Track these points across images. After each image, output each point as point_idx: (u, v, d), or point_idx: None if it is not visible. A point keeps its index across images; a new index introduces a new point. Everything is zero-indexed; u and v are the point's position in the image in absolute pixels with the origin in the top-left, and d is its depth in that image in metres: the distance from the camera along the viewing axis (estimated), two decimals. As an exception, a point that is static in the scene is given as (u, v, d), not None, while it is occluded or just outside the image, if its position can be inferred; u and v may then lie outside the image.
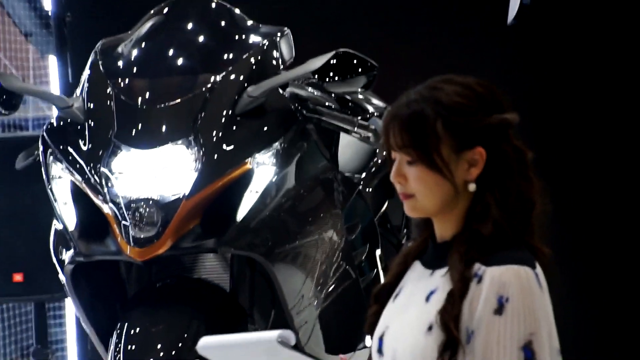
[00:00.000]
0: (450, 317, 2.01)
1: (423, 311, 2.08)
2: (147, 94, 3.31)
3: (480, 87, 2.11)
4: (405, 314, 2.12)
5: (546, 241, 2.12)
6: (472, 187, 2.09)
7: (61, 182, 3.31)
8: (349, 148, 3.89)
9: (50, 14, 5.67)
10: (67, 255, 3.29)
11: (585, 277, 5.03)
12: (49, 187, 3.34)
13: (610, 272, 5.09)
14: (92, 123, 3.29)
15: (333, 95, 3.70)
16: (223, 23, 3.51)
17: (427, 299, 2.09)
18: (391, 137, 2.12)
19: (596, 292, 5.09)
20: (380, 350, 2.15)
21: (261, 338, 2.06)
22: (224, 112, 3.26)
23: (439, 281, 2.09)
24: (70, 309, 5.23)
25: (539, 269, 2.06)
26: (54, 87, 5.60)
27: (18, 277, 4.47)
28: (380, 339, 2.15)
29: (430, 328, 2.05)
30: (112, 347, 3.14)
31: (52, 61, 5.74)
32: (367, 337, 3.63)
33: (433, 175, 2.10)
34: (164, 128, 3.23)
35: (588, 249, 5.07)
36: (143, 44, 3.45)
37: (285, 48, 3.50)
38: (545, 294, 2.04)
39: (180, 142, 3.21)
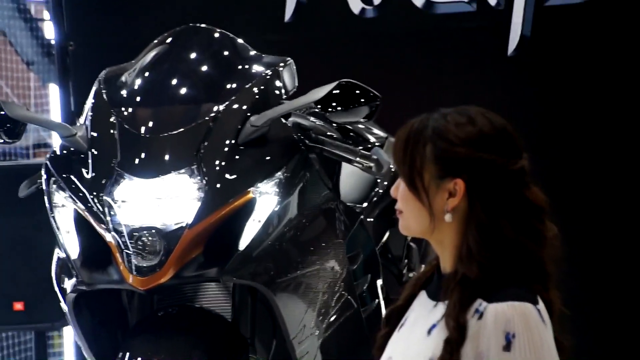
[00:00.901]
0: None
1: (424, 345, 2.09)
2: (151, 123, 3.32)
3: (487, 122, 2.12)
4: (408, 345, 2.13)
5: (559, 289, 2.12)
6: (447, 217, 2.11)
7: (64, 210, 3.32)
8: (351, 178, 3.90)
9: (52, 42, 5.69)
10: (69, 284, 3.29)
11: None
12: (52, 215, 3.35)
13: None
14: (96, 151, 3.31)
15: (335, 125, 3.72)
16: (226, 53, 3.53)
17: (429, 332, 2.10)
18: (395, 149, 2.16)
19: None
20: None
21: None
22: (227, 142, 3.27)
23: (440, 315, 2.10)
24: (69, 337, 5.23)
25: (541, 305, 2.07)
26: (55, 115, 5.62)
27: (19, 306, 4.47)
28: None
29: None
30: (113, 377, 3.14)
31: (54, 90, 5.77)
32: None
33: (412, 196, 2.12)
34: (167, 157, 3.25)
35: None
36: (147, 73, 3.47)
37: (288, 78, 3.53)
38: (549, 329, 2.06)
39: (183, 171, 3.22)
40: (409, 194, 2.13)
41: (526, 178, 2.13)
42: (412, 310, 2.20)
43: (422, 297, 2.20)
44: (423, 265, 4.17)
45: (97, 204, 3.22)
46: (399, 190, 2.16)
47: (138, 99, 3.41)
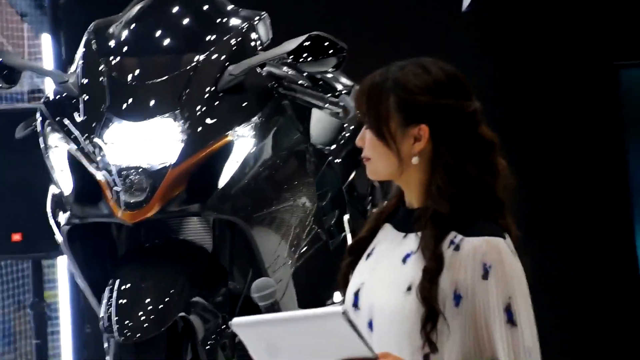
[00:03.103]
0: (429, 294, 2.06)
1: (401, 272, 2.11)
2: (137, 71, 3.31)
3: (441, 71, 2.14)
4: (381, 273, 2.15)
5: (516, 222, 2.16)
6: (414, 160, 2.13)
7: (58, 150, 3.31)
8: (320, 122, 3.91)
9: (44, -5, 5.62)
10: (63, 218, 3.29)
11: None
12: (47, 155, 3.34)
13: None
14: (86, 97, 3.30)
15: (306, 74, 3.72)
16: (206, 7, 3.51)
17: (404, 260, 2.12)
18: (358, 102, 2.17)
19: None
20: (356, 305, 2.18)
21: (325, 313, 1.88)
22: (207, 89, 3.27)
23: (414, 245, 2.12)
24: (62, 268, 5.22)
25: (508, 239, 2.11)
26: (48, 64, 5.56)
27: (17, 237, 4.45)
28: (356, 295, 2.18)
29: (409, 288, 2.09)
30: (104, 302, 3.15)
31: (46, 40, 5.70)
32: (336, 294, 3.67)
33: (381, 143, 2.14)
34: (152, 102, 3.24)
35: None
36: (133, 26, 3.45)
37: (263, 31, 3.51)
38: (518, 260, 2.10)
39: (167, 115, 3.22)
40: (377, 142, 2.14)
41: (478, 118, 2.16)
42: (379, 241, 2.22)
43: (388, 229, 2.22)
44: (386, 202, 4.21)
45: (88, 145, 3.21)
46: (366, 139, 2.17)
47: (125, 49, 3.39)
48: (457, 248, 2.07)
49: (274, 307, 2.32)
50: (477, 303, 2.05)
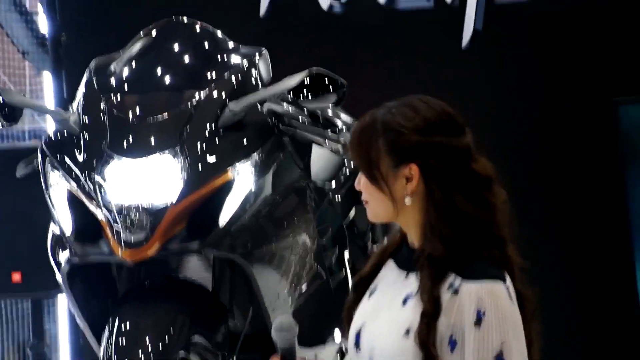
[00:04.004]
0: (427, 338, 2.03)
1: (400, 314, 2.08)
2: (137, 109, 3.29)
3: (429, 110, 2.12)
4: (382, 314, 2.12)
5: (520, 250, 2.12)
6: (407, 200, 2.11)
7: (58, 188, 3.29)
8: (321, 159, 3.88)
9: (46, 34, 5.63)
10: (63, 257, 3.26)
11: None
12: (47, 193, 3.31)
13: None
14: (87, 135, 3.27)
15: (306, 110, 3.70)
16: (206, 44, 3.50)
17: (404, 302, 2.09)
18: (350, 147, 2.15)
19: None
20: (357, 345, 2.15)
21: None
22: (208, 126, 3.25)
23: (414, 287, 2.09)
24: (63, 306, 5.18)
25: (508, 281, 2.08)
26: (49, 101, 5.55)
27: (17, 276, 4.43)
28: (358, 335, 2.15)
29: (407, 332, 2.05)
30: (104, 341, 3.12)
31: (47, 77, 5.70)
32: (336, 331, 3.62)
33: (374, 187, 2.12)
34: (152, 140, 3.22)
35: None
36: (133, 63, 3.43)
37: (263, 67, 3.50)
38: (515, 305, 2.07)
39: (167, 152, 3.20)
40: (371, 185, 2.13)
41: (471, 152, 2.13)
42: (382, 278, 2.19)
43: (391, 266, 2.19)
44: (386, 238, 4.18)
45: (89, 183, 3.19)
46: (361, 183, 2.16)
47: (125, 86, 3.38)
48: (455, 292, 2.04)
49: (291, 349, 2.27)
50: (468, 350, 2.01)
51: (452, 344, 2.03)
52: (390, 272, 2.18)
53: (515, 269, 2.11)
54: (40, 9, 6.05)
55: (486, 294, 2.02)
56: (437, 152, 2.09)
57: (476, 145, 2.15)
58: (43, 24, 5.77)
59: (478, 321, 2.01)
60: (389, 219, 2.15)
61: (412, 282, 2.10)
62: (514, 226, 2.13)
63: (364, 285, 2.21)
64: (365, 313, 2.16)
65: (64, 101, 5.21)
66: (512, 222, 2.12)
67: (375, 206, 2.14)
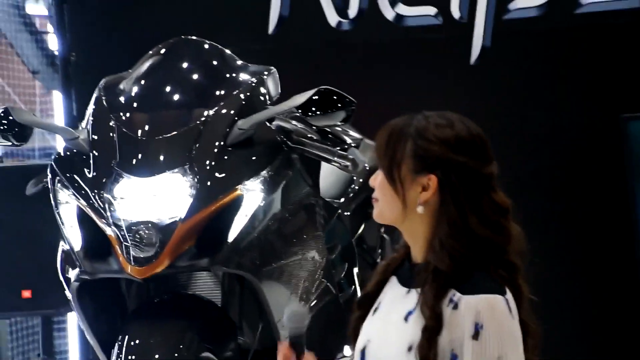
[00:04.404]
0: (428, 353, 2.03)
1: (403, 331, 2.08)
2: (147, 127, 3.31)
3: (464, 128, 2.12)
4: (386, 331, 2.13)
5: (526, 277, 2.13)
6: (419, 209, 2.11)
7: (68, 206, 3.30)
8: (330, 176, 3.89)
9: (56, 53, 5.66)
10: (73, 274, 3.27)
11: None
12: (57, 211, 3.33)
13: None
14: (97, 153, 3.29)
15: (315, 128, 3.72)
16: (215, 62, 3.52)
17: (406, 319, 2.10)
18: (378, 141, 2.16)
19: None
20: None
21: None
22: (217, 143, 3.26)
23: (415, 302, 2.10)
24: (73, 322, 5.20)
25: (508, 295, 2.08)
26: (59, 120, 5.59)
27: (27, 294, 4.45)
28: (362, 353, 2.16)
29: (410, 349, 2.06)
30: (113, 358, 3.12)
31: (57, 97, 5.73)
32: (346, 348, 3.63)
33: (389, 186, 2.13)
34: (161, 158, 3.23)
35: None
36: (143, 81, 3.45)
37: (272, 85, 3.52)
38: (515, 319, 2.07)
39: (176, 170, 3.21)
40: (386, 183, 2.14)
41: (493, 182, 2.13)
42: (385, 295, 2.20)
43: (394, 283, 2.19)
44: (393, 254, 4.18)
45: (98, 201, 3.20)
46: (377, 180, 2.16)
47: (135, 104, 3.39)
48: (455, 307, 2.04)
49: (300, 339, 2.29)
50: None
51: (454, 358, 2.03)
52: (392, 289, 2.18)
53: (524, 299, 2.11)
54: (50, 28, 6.09)
55: (484, 308, 2.02)
56: (459, 170, 2.09)
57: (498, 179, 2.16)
58: (53, 44, 5.82)
59: (476, 334, 2.01)
60: (394, 222, 2.15)
61: (413, 298, 2.11)
62: (527, 258, 2.13)
63: (368, 301, 2.21)
64: (370, 330, 2.17)
65: (74, 120, 5.24)
66: (525, 254, 2.13)
67: (384, 206, 2.14)
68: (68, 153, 3.38)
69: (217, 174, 3.21)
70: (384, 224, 2.19)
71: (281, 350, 2.27)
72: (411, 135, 2.12)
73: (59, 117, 5.63)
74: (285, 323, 2.31)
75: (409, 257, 2.17)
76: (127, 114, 3.35)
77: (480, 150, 2.12)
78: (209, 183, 3.20)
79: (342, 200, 3.96)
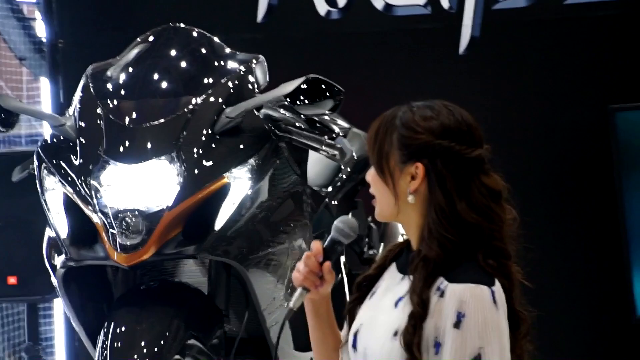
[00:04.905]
0: (412, 339, 2.04)
1: (391, 316, 2.10)
2: (134, 114, 3.30)
3: (450, 115, 2.13)
4: (376, 315, 2.14)
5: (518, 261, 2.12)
6: (410, 199, 2.12)
7: (54, 193, 3.30)
8: (317, 165, 3.90)
9: (43, 40, 5.65)
10: (58, 260, 3.27)
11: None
12: (43, 198, 3.32)
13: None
14: (83, 140, 3.29)
15: (303, 116, 3.72)
16: (203, 50, 3.51)
17: (396, 304, 2.11)
18: (368, 136, 2.18)
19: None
20: (354, 346, 2.17)
21: None
22: (204, 131, 3.26)
23: (406, 289, 2.11)
24: (59, 308, 5.20)
25: (497, 286, 2.08)
26: (46, 107, 5.57)
27: (12, 280, 4.44)
28: (355, 336, 2.17)
29: (395, 333, 2.07)
30: (99, 345, 3.12)
31: (45, 83, 5.71)
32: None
33: (380, 180, 2.14)
34: (149, 145, 3.23)
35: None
36: (130, 69, 3.44)
37: (260, 73, 3.51)
38: (500, 311, 2.06)
39: (163, 158, 3.21)
40: (378, 178, 2.15)
41: (485, 166, 2.14)
42: (383, 281, 2.21)
43: (392, 269, 2.21)
44: (382, 244, 4.19)
45: (85, 188, 3.20)
46: (370, 175, 2.18)
47: (122, 92, 3.39)
48: (442, 295, 2.05)
49: (336, 247, 2.25)
50: (446, 351, 2.02)
51: (437, 346, 2.04)
52: (389, 275, 2.20)
53: (515, 285, 2.11)
54: (37, 15, 6.07)
55: (468, 297, 2.03)
56: (444, 155, 2.10)
57: (491, 162, 2.16)
58: (40, 30, 5.79)
59: (457, 323, 2.02)
60: (392, 217, 2.16)
61: (405, 285, 2.12)
62: (518, 243, 2.13)
63: (367, 285, 2.23)
64: (363, 315, 2.18)
65: (61, 107, 5.23)
66: (517, 239, 2.13)
67: (380, 202, 2.16)
68: (54, 140, 3.38)
69: (204, 162, 3.21)
70: (384, 221, 2.20)
71: (314, 247, 2.23)
72: (397, 126, 2.13)
73: (46, 104, 5.61)
74: (336, 223, 2.28)
75: (409, 245, 2.19)
76: (114, 101, 3.34)
77: (466, 135, 2.12)
78: (196, 171, 3.20)
79: (330, 189, 3.97)
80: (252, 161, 3.27)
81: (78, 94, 3.43)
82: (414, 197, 2.11)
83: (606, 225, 5.01)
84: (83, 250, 3.21)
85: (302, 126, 3.60)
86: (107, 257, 3.15)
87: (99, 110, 3.32)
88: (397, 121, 2.14)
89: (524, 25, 5.11)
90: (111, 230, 3.13)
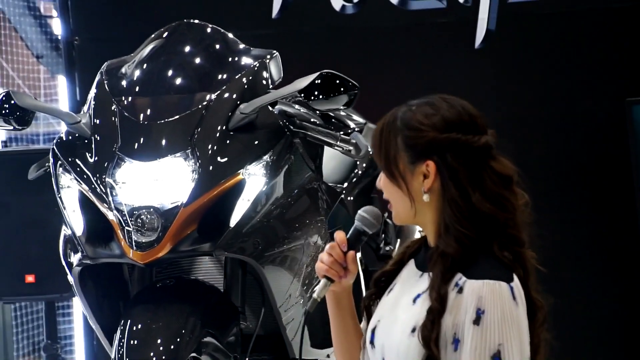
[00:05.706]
0: (429, 335, 2.02)
1: (409, 312, 2.09)
2: (149, 111, 3.29)
3: (450, 109, 2.12)
4: (395, 312, 2.13)
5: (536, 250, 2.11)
6: (425, 197, 2.11)
7: (70, 191, 3.29)
8: (332, 160, 3.88)
9: (60, 37, 5.65)
10: (75, 258, 3.26)
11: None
12: (59, 196, 3.32)
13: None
14: (98, 137, 3.28)
15: (318, 112, 3.70)
16: (218, 46, 3.50)
17: (414, 301, 2.10)
18: (372, 144, 2.17)
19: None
20: (372, 342, 2.16)
21: None
22: (219, 128, 3.24)
23: (425, 286, 2.09)
24: (78, 307, 5.20)
25: (515, 282, 2.06)
26: (63, 104, 5.58)
27: (30, 278, 4.44)
28: (373, 332, 2.16)
29: (413, 330, 2.05)
30: (116, 342, 3.11)
31: (62, 81, 5.72)
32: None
33: (392, 184, 2.12)
34: (163, 142, 3.22)
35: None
36: (145, 65, 3.43)
37: (274, 69, 3.50)
38: (520, 307, 2.05)
39: (178, 155, 3.19)
40: (390, 183, 2.13)
41: (492, 152, 2.12)
42: (400, 277, 2.20)
43: (410, 266, 2.20)
44: (399, 240, 4.17)
45: (100, 185, 3.19)
46: (382, 181, 2.16)
47: (137, 89, 3.38)
48: (460, 290, 2.04)
49: (360, 237, 2.25)
50: (465, 348, 2.00)
51: (456, 342, 2.02)
52: (407, 272, 2.19)
53: (531, 273, 2.10)
54: (54, 12, 6.08)
55: (487, 293, 2.02)
56: (453, 148, 2.09)
57: (500, 147, 2.14)
58: (57, 28, 5.80)
59: (477, 320, 2.01)
60: (409, 220, 2.14)
61: (424, 281, 2.11)
62: (531, 229, 2.11)
63: (385, 281, 2.22)
64: (381, 311, 2.17)
65: (78, 104, 5.23)
66: (530, 224, 2.11)
67: (397, 206, 2.14)
68: (70, 137, 3.37)
69: (219, 159, 3.20)
70: (402, 224, 2.18)
71: (338, 237, 2.22)
72: (399, 129, 2.12)
73: (63, 102, 5.62)
74: (360, 212, 2.26)
75: (427, 241, 2.17)
76: (129, 98, 3.33)
77: (470, 125, 2.11)
78: (211, 167, 3.18)
79: (345, 185, 3.95)
80: (266, 157, 3.26)
81: (93, 91, 3.42)
82: (429, 195, 2.10)
83: (624, 217, 4.98)
84: (99, 248, 3.20)
85: (317, 122, 3.58)
86: (122, 255, 3.15)
87: (113, 107, 3.31)
88: (399, 123, 2.12)
89: (539, 18, 5.08)
90: (127, 227, 3.12)
